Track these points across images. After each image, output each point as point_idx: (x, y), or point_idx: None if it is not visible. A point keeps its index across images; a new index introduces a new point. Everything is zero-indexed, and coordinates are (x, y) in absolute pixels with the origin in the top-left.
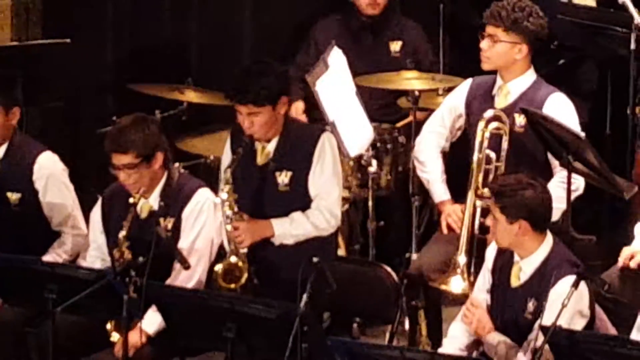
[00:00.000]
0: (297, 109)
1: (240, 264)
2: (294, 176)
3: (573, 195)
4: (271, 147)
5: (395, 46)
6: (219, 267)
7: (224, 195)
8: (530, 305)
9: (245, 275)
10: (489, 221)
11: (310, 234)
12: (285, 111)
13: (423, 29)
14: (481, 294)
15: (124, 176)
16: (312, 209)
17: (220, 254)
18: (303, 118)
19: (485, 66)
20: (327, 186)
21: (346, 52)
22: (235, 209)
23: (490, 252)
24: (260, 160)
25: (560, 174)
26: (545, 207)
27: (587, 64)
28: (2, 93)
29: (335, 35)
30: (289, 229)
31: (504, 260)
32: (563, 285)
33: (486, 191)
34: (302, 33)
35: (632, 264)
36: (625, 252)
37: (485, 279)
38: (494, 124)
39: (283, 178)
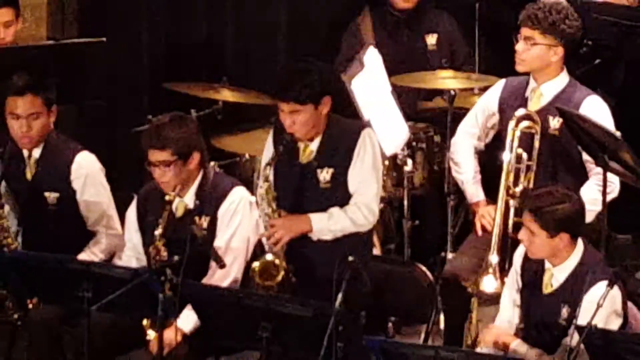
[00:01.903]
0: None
1: (277, 261)
2: (335, 173)
3: (608, 198)
4: (314, 146)
5: (432, 39)
6: (256, 265)
7: (261, 191)
8: (564, 312)
9: (282, 273)
10: (521, 234)
11: (348, 229)
12: (328, 111)
13: (457, 22)
14: (511, 292)
15: (159, 173)
16: (350, 204)
17: (256, 253)
18: None
19: (520, 68)
20: (365, 181)
21: (383, 47)
22: (274, 206)
23: (518, 256)
24: (303, 158)
25: (596, 176)
26: (582, 216)
27: (622, 63)
28: (45, 92)
29: (371, 32)
30: (327, 224)
31: (534, 266)
32: (597, 291)
33: (517, 191)
34: (337, 31)
35: None
36: None
37: (513, 279)
38: (525, 123)
39: (325, 175)
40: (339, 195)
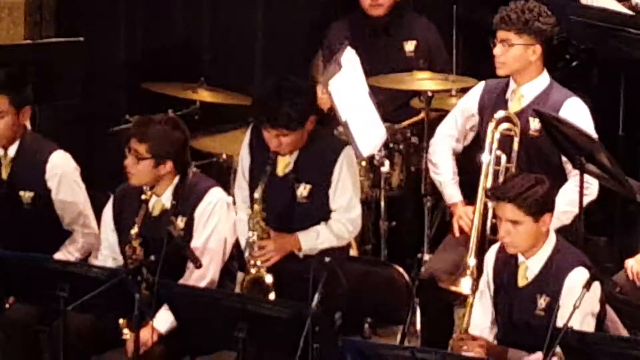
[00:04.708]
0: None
1: (266, 278)
2: (313, 189)
3: (586, 200)
4: (292, 158)
5: (410, 46)
6: (244, 278)
7: (252, 213)
8: (542, 302)
9: (272, 291)
10: (502, 230)
11: (333, 244)
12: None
13: (436, 28)
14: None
15: (130, 161)
16: (335, 220)
17: (233, 255)
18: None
19: (501, 72)
20: (349, 202)
21: (360, 53)
22: (263, 226)
23: (488, 259)
24: (280, 170)
25: (574, 178)
26: (555, 196)
27: (600, 65)
28: (13, 92)
29: (348, 37)
30: (315, 243)
31: (506, 263)
32: (576, 276)
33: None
34: (314, 32)
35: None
36: (630, 264)
37: (484, 285)
38: (504, 125)
39: (302, 190)
40: (316, 210)
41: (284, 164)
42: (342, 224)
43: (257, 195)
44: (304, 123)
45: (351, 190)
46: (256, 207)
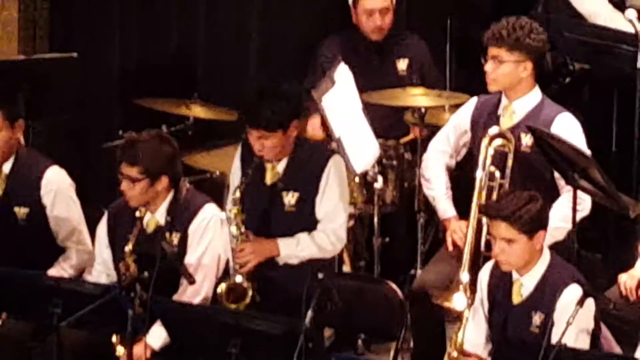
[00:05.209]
0: (314, 125)
1: (244, 283)
2: (301, 198)
3: (579, 216)
4: (280, 167)
5: (402, 64)
6: (222, 287)
7: (230, 214)
8: (537, 319)
9: (250, 294)
10: (496, 249)
11: (315, 255)
12: (297, 133)
13: (429, 45)
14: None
15: (126, 186)
16: (318, 230)
17: (226, 270)
18: (320, 133)
19: (493, 88)
20: (334, 210)
21: (353, 72)
22: (242, 229)
23: (483, 277)
24: (269, 179)
25: (567, 194)
26: (548, 212)
27: (593, 81)
28: (6, 107)
29: (341, 56)
30: (294, 250)
31: (500, 280)
32: (569, 293)
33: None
34: (309, 49)
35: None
36: (623, 279)
37: (478, 302)
38: (498, 141)
39: (290, 199)
40: (303, 219)
41: (273, 173)
42: (325, 234)
43: (236, 195)
44: (285, 125)
45: (337, 198)
46: (234, 208)
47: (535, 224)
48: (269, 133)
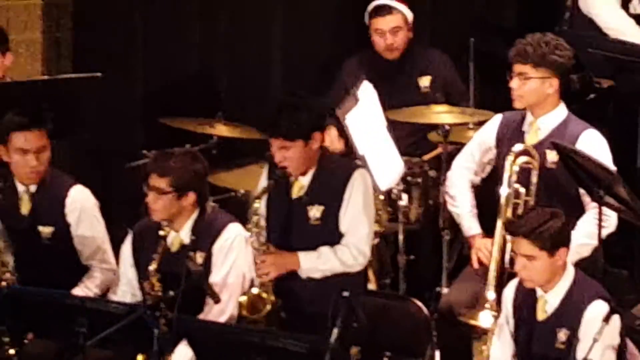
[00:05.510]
0: (332, 136)
1: (264, 295)
2: (325, 211)
3: (605, 232)
4: (305, 181)
5: (425, 81)
6: (243, 299)
7: (249, 226)
8: (562, 335)
9: (268, 307)
10: (518, 265)
11: (337, 269)
12: (320, 146)
13: (451, 60)
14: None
15: (152, 198)
16: (340, 244)
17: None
18: (339, 145)
19: (518, 104)
20: (355, 223)
21: (375, 90)
22: (262, 240)
23: (508, 294)
24: (294, 193)
25: (593, 210)
26: (571, 229)
27: (618, 97)
28: (46, 125)
29: (362, 75)
30: (315, 264)
31: (525, 297)
32: (595, 309)
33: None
34: (331, 68)
35: None
36: None
37: (503, 320)
38: (522, 158)
39: (315, 212)
40: (328, 233)
41: (298, 187)
42: (347, 247)
43: (256, 205)
44: (305, 135)
45: (360, 210)
46: (254, 218)
47: (556, 241)
48: (290, 143)
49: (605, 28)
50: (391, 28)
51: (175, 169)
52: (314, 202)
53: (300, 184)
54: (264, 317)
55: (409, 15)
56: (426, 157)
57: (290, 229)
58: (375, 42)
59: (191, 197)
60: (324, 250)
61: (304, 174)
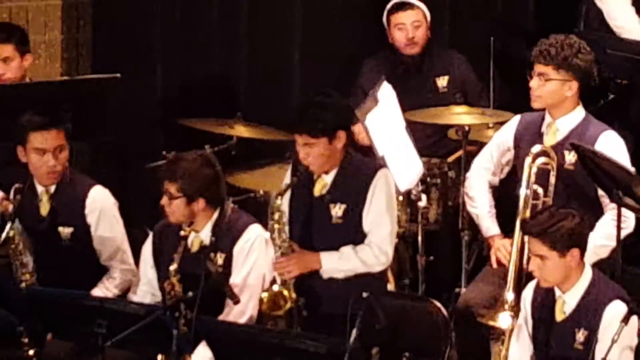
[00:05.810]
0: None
1: (285, 292)
2: (348, 209)
3: (624, 233)
4: (329, 179)
5: (442, 81)
6: (264, 296)
7: (271, 222)
8: (580, 336)
9: (289, 304)
10: (532, 265)
11: (359, 269)
12: (344, 145)
13: (471, 62)
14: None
15: (165, 201)
16: (363, 244)
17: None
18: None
19: (536, 105)
20: (378, 222)
21: (394, 91)
22: (285, 237)
23: (527, 295)
24: (317, 191)
25: (611, 211)
26: (586, 228)
27: (637, 98)
28: (64, 125)
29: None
30: (337, 264)
31: (544, 298)
32: (614, 310)
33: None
34: (350, 69)
35: None
36: None
37: (522, 321)
38: (541, 159)
39: (337, 210)
40: (350, 232)
41: (321, 185)
42: (369, 247)
43: (278, 202)
44: (330, 133)
45: (383, 209)
46: (276, 215)
47: (566, 242)
48: (314, 140)
49: (612, 26)
50: (412, 22)
51: (183, 175)
52: (336, 200)
53: (323, 182)
54: (284, 314)
55: (428, 14)
56: (450, 158)
57: (311, 226)
58: (395, 38)
59: (201, 202)
60: (346, 250)
61: (327, 172)
